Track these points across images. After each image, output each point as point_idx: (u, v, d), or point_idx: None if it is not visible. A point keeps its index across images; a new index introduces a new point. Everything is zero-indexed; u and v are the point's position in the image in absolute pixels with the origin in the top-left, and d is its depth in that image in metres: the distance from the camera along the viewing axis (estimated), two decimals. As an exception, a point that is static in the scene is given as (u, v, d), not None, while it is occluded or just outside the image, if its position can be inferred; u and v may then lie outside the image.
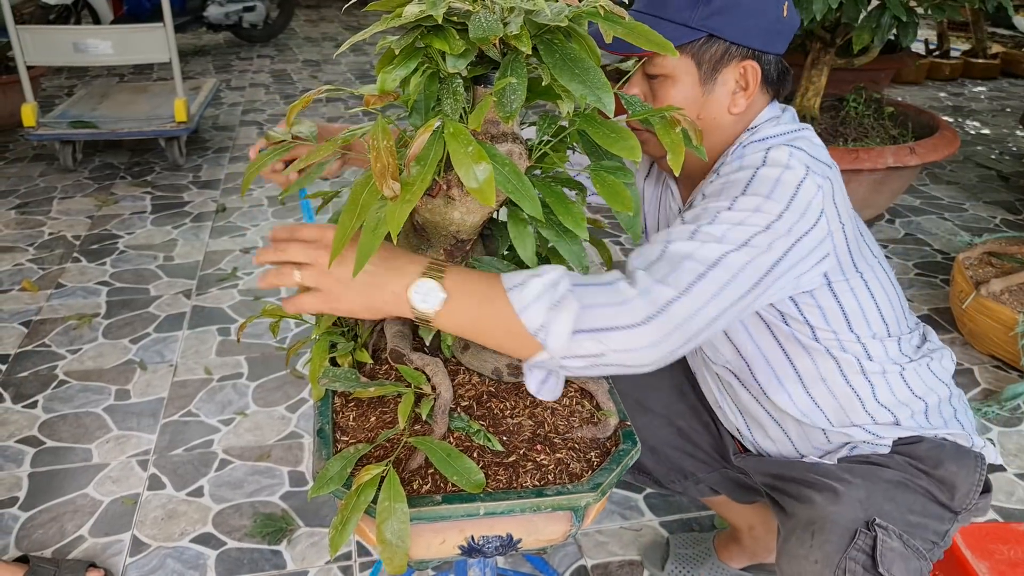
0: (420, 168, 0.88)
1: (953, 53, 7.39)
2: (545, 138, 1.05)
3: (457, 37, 0.89)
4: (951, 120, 5.80)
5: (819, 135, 1.91)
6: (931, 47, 7.37)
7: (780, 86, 1.26)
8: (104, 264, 3.48)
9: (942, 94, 6.58)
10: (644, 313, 0.93)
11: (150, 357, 2.80)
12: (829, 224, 1.12)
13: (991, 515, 2.11)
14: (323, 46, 8.39)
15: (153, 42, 4.44)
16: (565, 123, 1.03)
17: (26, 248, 3.62)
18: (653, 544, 2.00)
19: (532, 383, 1.00)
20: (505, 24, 0.86)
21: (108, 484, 2.21)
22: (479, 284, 0.96)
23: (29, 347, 2.85)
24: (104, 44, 4.40)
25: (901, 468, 1.27)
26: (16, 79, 4.52)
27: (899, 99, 5.74)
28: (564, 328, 0.91)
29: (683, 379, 1.62)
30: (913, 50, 6.67)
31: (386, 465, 0.94)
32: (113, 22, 6.44)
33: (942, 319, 3.05)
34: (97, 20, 6.43)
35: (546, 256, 1.08)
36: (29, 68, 4.39)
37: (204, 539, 2.03)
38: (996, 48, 7.43)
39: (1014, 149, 5.19)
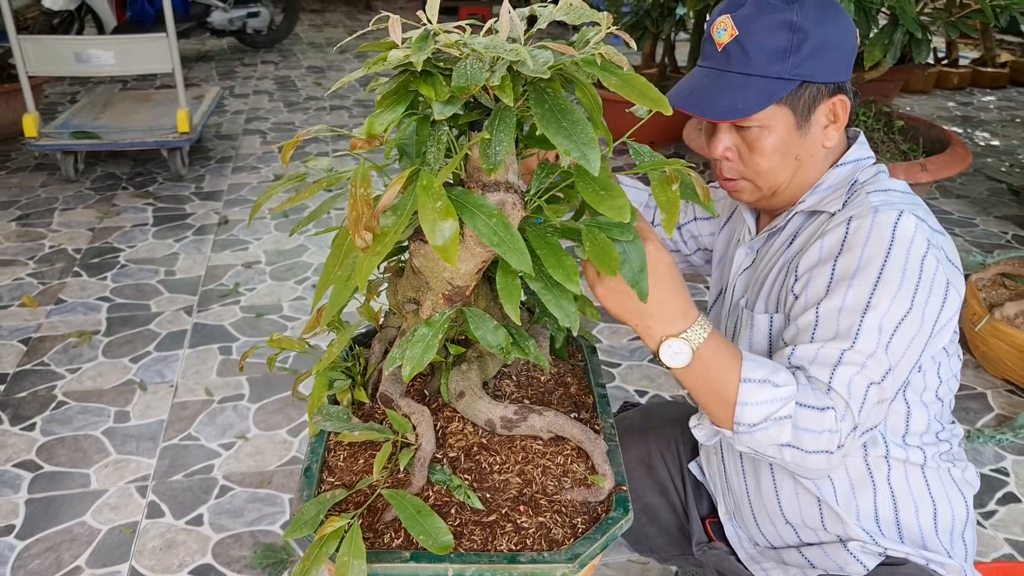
0: (395, 219, 0.84)
1: (962, 61, 7.32)
2: (551, 180, 1.01)
3: (444, 83, 0.85)
4: (960, 131, 5.73)
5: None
6: (940, 56, 7.30)
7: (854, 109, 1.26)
8: (105, 279, 3.45)
9: (951, 103, 6.51)
10: (836, 443, 1.02)
11: (150, 377, 2.77)
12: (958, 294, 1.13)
13: (1006, 551, 2.06)
14: (327, 52, 8.37)
15: (155, 52, 4.42)
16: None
17: (26, 262, 3.59)
18: (657, 577, 1.96)
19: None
20: (492, 73, 0.82)
21: (106, 512, 2.18)
22: (722, 361, 1.03)
23: (28, 366, 2.82)
24: (106, 54, 4.38)
25: None
26: (18, 88, 4.49)
27: (908, 110, 5.69)
28: (778, 439, 1.01)
29: (649, 452, 1.54)
30: (922, 59, 6.60)
31: (351, 517, 0.91)
32: (117, 28, 6.40)
33: (952, 339, 3.00)
34: (101, 26, 6.40)
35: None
36: (31, 77, 4.37)
37: (203, 571, 1.99)
38: (1005, 56, 7.34)
39: (1025, 160, 5.13)
